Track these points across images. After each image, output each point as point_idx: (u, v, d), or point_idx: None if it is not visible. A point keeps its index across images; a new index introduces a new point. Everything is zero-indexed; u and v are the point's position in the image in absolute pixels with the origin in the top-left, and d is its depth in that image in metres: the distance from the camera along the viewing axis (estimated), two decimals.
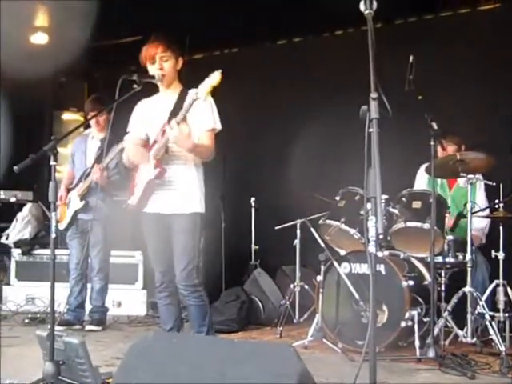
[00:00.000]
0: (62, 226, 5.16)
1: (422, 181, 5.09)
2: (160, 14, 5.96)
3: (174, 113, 3.56)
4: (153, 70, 3.65)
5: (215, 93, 3.53)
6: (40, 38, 7.04)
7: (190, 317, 3.76)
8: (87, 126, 5.49)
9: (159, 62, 3.63)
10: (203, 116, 3.59)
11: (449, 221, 4.53)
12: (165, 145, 3.56)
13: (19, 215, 6.56)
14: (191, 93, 3.45)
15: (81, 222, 5.20)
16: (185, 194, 3.62)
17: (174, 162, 3.63)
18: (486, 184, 4.76)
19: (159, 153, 3.58)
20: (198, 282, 3.63)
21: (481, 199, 4.85)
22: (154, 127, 3.69)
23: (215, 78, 3.36)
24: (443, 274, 4.49)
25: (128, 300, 6.06)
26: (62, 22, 6.46)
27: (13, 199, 6.78)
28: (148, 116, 3.77)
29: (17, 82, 6.52)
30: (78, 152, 5.36)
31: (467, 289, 4.18)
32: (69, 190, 5.26)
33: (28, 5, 6.10)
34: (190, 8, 5.82)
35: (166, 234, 3.67)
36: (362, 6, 2.32)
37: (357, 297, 4.28)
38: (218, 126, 3.66)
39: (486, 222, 4.95)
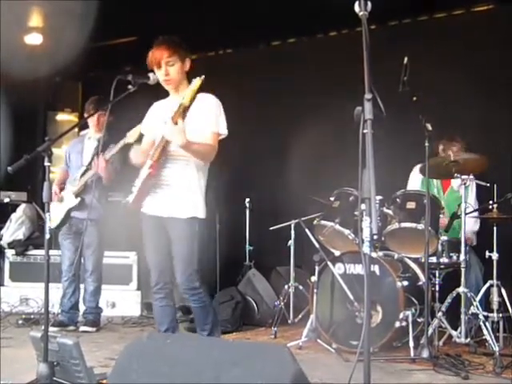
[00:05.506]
0: (53, 225, 5.06)
1: (415, 181, 5.10)
2: (154, 15, 5.95)
3: None
4: (159, 75, 3.62)
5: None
6: (34, 39, 7.02)
7: (194, 317, 3.80)
8: (82, 127, 5.48)
9: (165, 68, 3.59)
10: (206, 117, 3.56)
11: (442, 220, 4.54)
12: (161, 144, 3.50)
13: (13, 216, 6.55)
14: (179, 97, 3.49)
15: (75, 221, 5.16)
16: (182, 197, 3.55)
17: (173, 162, 3.56)
18: (478, 185, 4.78)
19: (156, 152, 3.52)
20: (197, 284, 3.60)
21: (472, 201, 4.85)
22: (158, 129, 3.64)
23: (195, 83, 3.40)
24: (437, 275, 4.50)
25: (122, 301, 6.06)
26: (57, 23, 6.44)
27: (7, 200, 6.76)
28: (155, 119, 3.77)
29: (11, 83, 6.51)
30: (73, 152, 5.33)
31: (461, 289, 4.20)
32: (61, 189, 5.23)
33: (23, 5, 6.08)
34: (184, 8, 5.81)
35: (164, 236, 3.62)
36: (356, 7, 2.31)
37: (351, 297, 4.29)
38: (222, 131, 3.60)
39: (478, 225, 4.97)
